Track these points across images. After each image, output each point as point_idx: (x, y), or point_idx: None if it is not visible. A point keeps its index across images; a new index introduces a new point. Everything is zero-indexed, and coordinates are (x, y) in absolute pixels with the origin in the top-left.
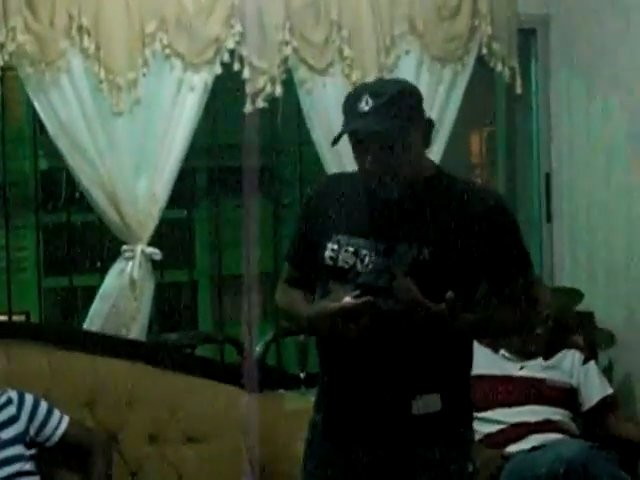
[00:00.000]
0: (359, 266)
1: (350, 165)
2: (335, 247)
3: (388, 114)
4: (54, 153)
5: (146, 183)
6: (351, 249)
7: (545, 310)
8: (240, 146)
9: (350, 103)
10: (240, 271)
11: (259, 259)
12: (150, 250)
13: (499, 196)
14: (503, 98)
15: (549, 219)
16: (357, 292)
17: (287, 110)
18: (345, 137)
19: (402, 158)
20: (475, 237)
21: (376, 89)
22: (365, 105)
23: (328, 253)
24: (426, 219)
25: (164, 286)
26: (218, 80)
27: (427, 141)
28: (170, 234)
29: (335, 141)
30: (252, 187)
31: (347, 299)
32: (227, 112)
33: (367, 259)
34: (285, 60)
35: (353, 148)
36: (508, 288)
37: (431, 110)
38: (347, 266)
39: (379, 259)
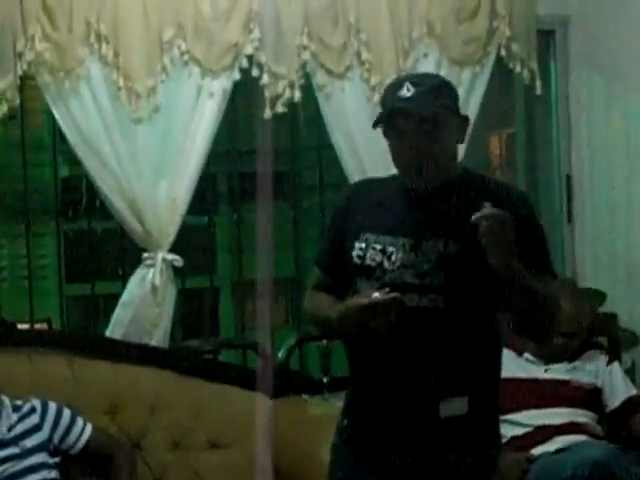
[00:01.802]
0: (386, 263)
1: (370, 169)
2: (363, 246)
3: (430, 100)
4: (75, 160)
5: (166, 190)
6: (378, 247)
7: (584, 320)
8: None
9: (390, 91)
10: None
11: (280, 264)
12: (171, 257)
13: (525, 195)
14: (522, 100)
15: (570, 220)
16: (386, 289)
17: (307, 115)
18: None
19: (438, 145)
20: None
21: (416, 79)
22: (407, 92)
23: (356, 252)
24: (452, 215)
25: (186, 292)
26: (238, 85)
27: (461, 137)
28: (191, 240)
29: (376, 124)
30: (267, 192)
31: (376, 295)
32: (248, 117)
33: (394, 256)
34: (304, 65)
35: (389, 133)
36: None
37: None
38: (374, 264)
39: (406, 255)
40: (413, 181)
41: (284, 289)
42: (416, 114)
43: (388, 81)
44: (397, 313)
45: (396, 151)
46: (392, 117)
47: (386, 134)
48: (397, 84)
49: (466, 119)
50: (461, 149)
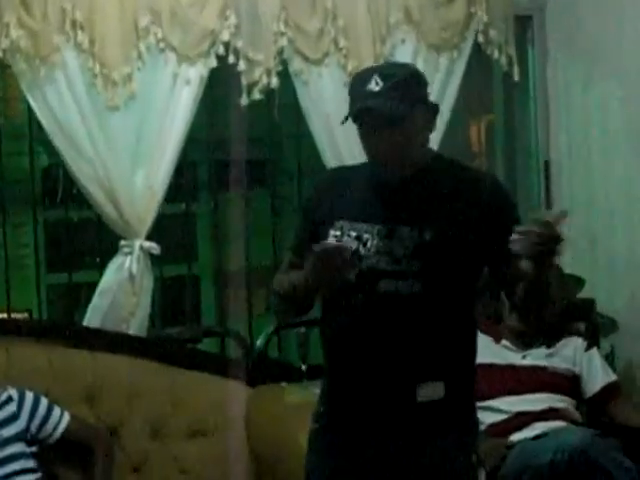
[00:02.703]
0: (362, 250)
1: (348, 155)
2: (338, 233)
3: (398, 95)
4: (54, 150)
5: (143, 178)
6: (353, 234)
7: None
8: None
9: (358, 84)
10: (242, 264)
11: (259, 252)
12: (148, 245)
13: (497, 179)
14: (501, 86)
15: (549, 206)
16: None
17: (284, 102)
18: (346, 125)
19: (410, 139)
20: (474, 219)
21: (385, 71)
22: (375, 85)
23: (330, 239)
24: (427, 202)
25: (167, 280)
26: (218, 72)
27: (431, 126)
28: (172, 228)
29: (345, 119)
30: (242, 179)
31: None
32: (227, 105)
33: (369, 243)
34: (280, 51)
35: (360, 129)
36: (499, 272)
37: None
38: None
39: (381, 242)
40: (385, 171)
41: (263, 277)
42: (384, 111)
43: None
44: (348, 259)
45: (366, 144)
46: (360, 114)
47: (356, 125)
48: (365, 77)
49: (435, 107)
50: (439, 135)
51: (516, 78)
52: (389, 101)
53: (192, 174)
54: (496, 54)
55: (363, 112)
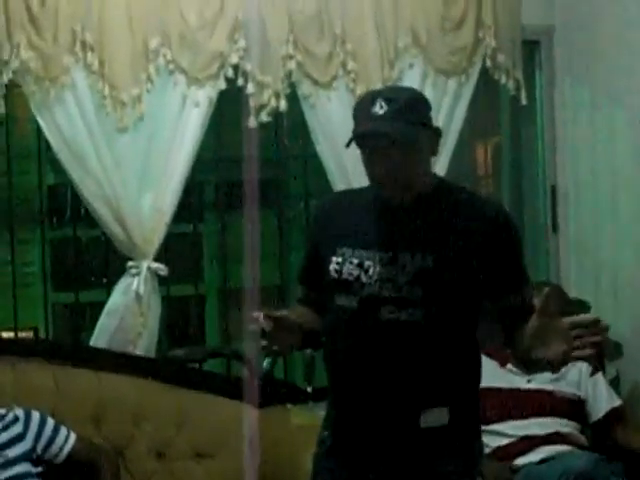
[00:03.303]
0: (363, 277)
1: (355, 178)
2: (340, 260)
3: (403, 118)
4: (61, 169)
5: (151, 199)
6: (355, 261)
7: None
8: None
9: (362, 107)
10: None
11: (265, 272)
12: (156, 266)
13: (502, 207)
14: (508, 110)
15: (555, 230)
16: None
17: (292, 124)
18: (353, 147)
19: (413, 163)
20: (477, 247)
21: (389, 94)
22: (379, 109)
23: (333, 266)
24: (429, 228)
25: (172, 301)
26: (225, 94)
27: (435, 149)
28: (178, 248)
29: (349, 142)
30: (253, 200)
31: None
32: (234, 126)
33: (371, 270)
34: (289, 74)
35: (363, 152)
36: (500, 302)
37: (436, 122)
38: (352, 278)
39: (383, 269)
40: (388, 196)
41: (269, 297)
42: (389, 135)
43: None
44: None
45: (370, 168)
46: (364, 139)
47: (360, 149)
48: (370, 100)
49: (438, 131)
50: (447, 158)
51: (523, 102)
52: (393, 124)
53: (199, 194)
54: (504, 78)
55: (367, 135)
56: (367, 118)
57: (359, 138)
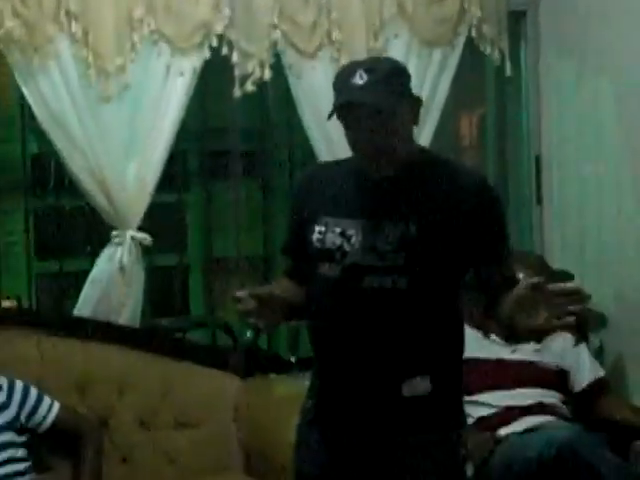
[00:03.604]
0: (346, 246)
1: (340, 148)
2: (322, 229)
3: (383, 88)
4: (44, 138)
5: (135, 168)
6: (338, 230)
7: None
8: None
9: (343, 78)
10: (232, 254)
11: (249, 242)
12: (140, 235)
13: (485, 179)
14: (493, 81)
15: (539, 201)
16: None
17: (277, 94)
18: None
19: (395, 133)
20: (459, 216)
21: (369, 65)
22: (360, 79)
23: (316, 236)
24: (412, 197)
25: (156, 270)
26: (209, 63)
27: (415, 119)
28: (162, 218)
29: (331, 115)
30: (234, 169)
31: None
32: (219, 95)
33: (354, 239)
34: (274, 44)
35: (345, 122)
36: (483, 271)
37: (420, 93)
38: (334, 247)
39: (366, 238)
40: (371, 166)
41: (254, 267)
42: (370, 104)
43: None
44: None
45: (351, 138)
46: (344, 109)
47: (340, 120)
48: (350, 71)
49: (418, 100)
50: (431, 128)
51: (508, 73)
52: (372, 94)
53: (183, 164)
54: (489, 49)
55: (347, 106)
56: (347, 89)
57: (339, 109)
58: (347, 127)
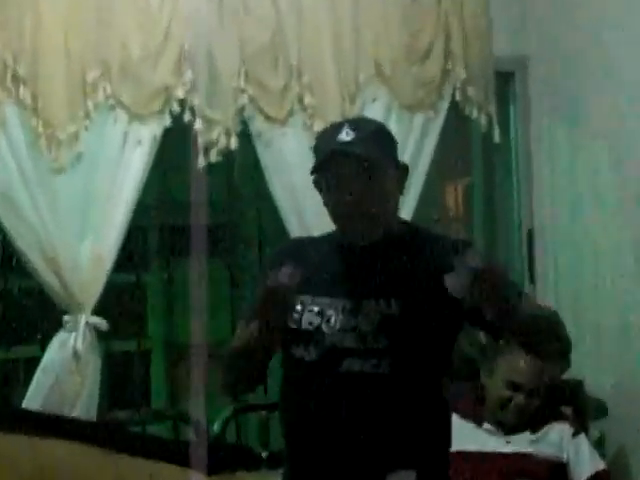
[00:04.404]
0: (325, 327)
1: (313, 222)
2: (299, 309)
3: (372, 144)
4: None
5: (90, 246)
6: (316, 309)
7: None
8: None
9: (327, 137)
10: (197, 339)
11: (215, 327)
12: (95, 320)
13: (470, 244)
14: (480, 147)
15: (532, 280)
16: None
17: (244, 164)
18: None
19: (382, 197)
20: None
21: (355, 123)
22: (346, 135)
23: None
24: (394, 272)
25: (113, 357)
26: (170, 131)
27: (401, 187)
28: (120, 300)
29: (316, 169)
30: (202, 247)
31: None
32: (181, 167)
33: (333, 318)
34: (241, 110)
35: (327, 182)
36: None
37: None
38: (312, 328)
39: (346, 318)
40: (351, 234)
41: (220, 354)
42: (359, 156)
43: None
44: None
45: (333, 200)
46: (331, 161)
47: (320, 183)
48: (334, 129)
49: (405, 169)
50: (413, 199)
51: (497, 139)
52: (363, 147)
53: (143, 241)
54: (475, 113)
55: (336, 155)
56: (334, 144)
57: (325, 162)
58: (329, 188)
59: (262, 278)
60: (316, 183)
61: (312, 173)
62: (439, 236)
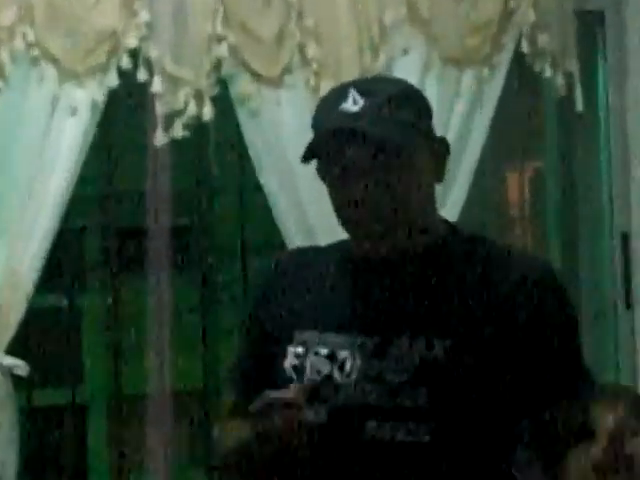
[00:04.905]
0: (337, 375)
1: (318, 224)
2: (300, 350)
3: (389, 118)
4: None
5: (3, 256)
6: (324, 351)
7: None
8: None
9: (328, 106)
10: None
11: (182, 371)
12: (11, 362)
13: (549, 268)
14: (555, 120)
15: (629, 304)
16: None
17: (223, 142)
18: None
19: (408, 190)
20: (510, 328)
21: (367, 86)
22: (353, 104)
23: (290, 361)
24: (437, 299)
25: (36, 413)
26: (117, 96)
27: (440, 172)
28: (45, 333)
29: (308, 154)
30: (162, 259)
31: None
32: (132, 146)
33: (349, 364)
34: (217, 65)
35: (327, 173)
36: (541, 416)
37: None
38: (319, 377)
39: (367, 363)
40: (369, 246)
41: (186, 408)
42: (370, 135)
43: None
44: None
45: (339, 198)
46: (330, 143)
47: (322, 171)
48: (338, 94)
49: (445, 149)
50: (461, 194)
51: (579, 107)
52: (376, 122)
53: (78, 250)
54: (548, 71)
55: (334, 136)
56: (335, 118)
57: (319, 145)
58: (331, 182)
59: (249, 303)
60: (319, 171)
61: (305, 160)
62: (503, 249)
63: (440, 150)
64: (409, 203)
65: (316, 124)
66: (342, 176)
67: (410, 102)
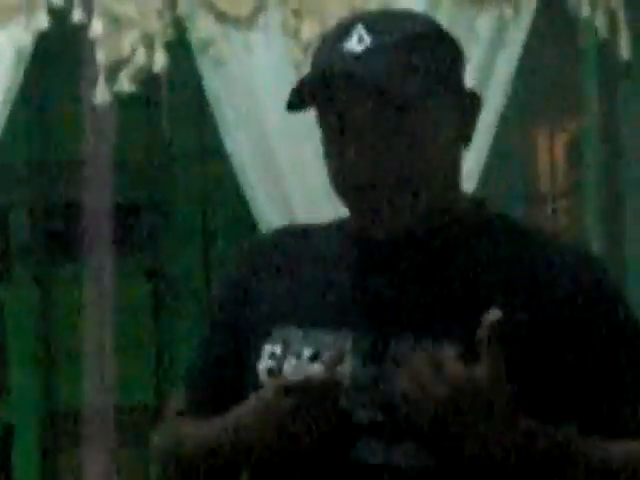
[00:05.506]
0: None
1: (298, 200)
2: (278, 350)
3: (398, 61)
4: None
5: None
6: (307, 352)
7: None
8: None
9: (330, 42)
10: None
11: (129, 383)
12: None
13: (601, 265)
14: (595, 71)
15: None
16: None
17: (180, 99)
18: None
19: (423, 154)
20: (543, 326)
21: (378, 21)
22: (357, 43)
23: (265, 363)
24: (451, 290)
25: None
26: (47, 41)
27: (467, 134)
28: None
29: (292, 102)
30: (105, 246)
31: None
32: (67, 104)
33: (339, 369)
34: (172, 2)
35: (322, 129)
36: (604, 421)
37: None
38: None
39: (361, 367)
40: (372, 223)
41: (136, 427)
42: (370, 85)
43: None
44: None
45: (339, 160)
46: (322, 89)
47: (320, 124)
48: (343, 29)
49: (475, 100)
50: (481, 159)
51: (625, 56)
52: (381, 68)
53: (2, 229)
54: (586, 10)
55: (334, 81)
56: (336, 58)
57: (313, 89)
58: (329, 132)
59: (215, 299)
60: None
61: (290, 107)
62: (535, 231)
63: (469, 106)
64: (423, 169)
65: (316, 61)
66: (338, 132)
67: (431, 43)
